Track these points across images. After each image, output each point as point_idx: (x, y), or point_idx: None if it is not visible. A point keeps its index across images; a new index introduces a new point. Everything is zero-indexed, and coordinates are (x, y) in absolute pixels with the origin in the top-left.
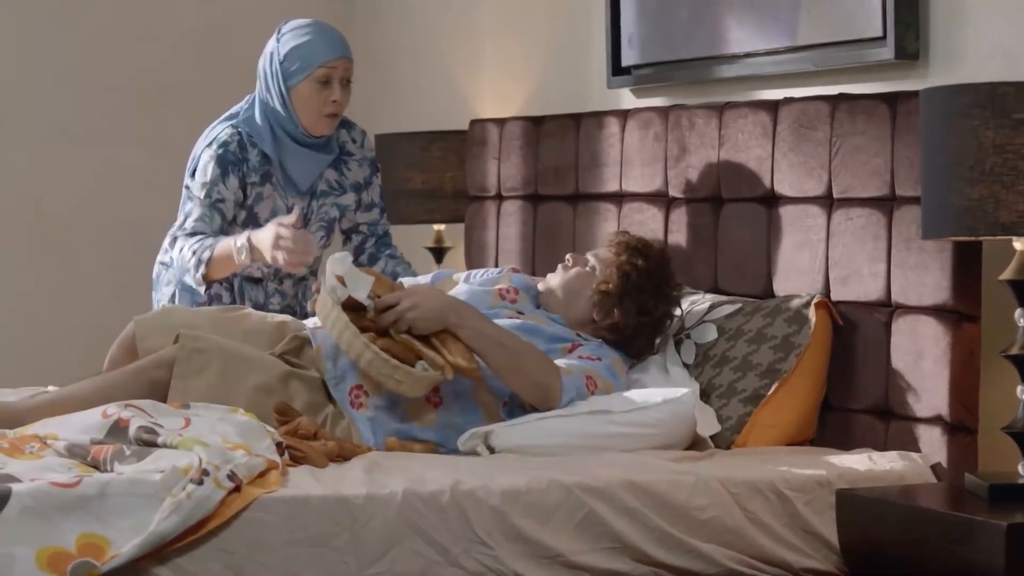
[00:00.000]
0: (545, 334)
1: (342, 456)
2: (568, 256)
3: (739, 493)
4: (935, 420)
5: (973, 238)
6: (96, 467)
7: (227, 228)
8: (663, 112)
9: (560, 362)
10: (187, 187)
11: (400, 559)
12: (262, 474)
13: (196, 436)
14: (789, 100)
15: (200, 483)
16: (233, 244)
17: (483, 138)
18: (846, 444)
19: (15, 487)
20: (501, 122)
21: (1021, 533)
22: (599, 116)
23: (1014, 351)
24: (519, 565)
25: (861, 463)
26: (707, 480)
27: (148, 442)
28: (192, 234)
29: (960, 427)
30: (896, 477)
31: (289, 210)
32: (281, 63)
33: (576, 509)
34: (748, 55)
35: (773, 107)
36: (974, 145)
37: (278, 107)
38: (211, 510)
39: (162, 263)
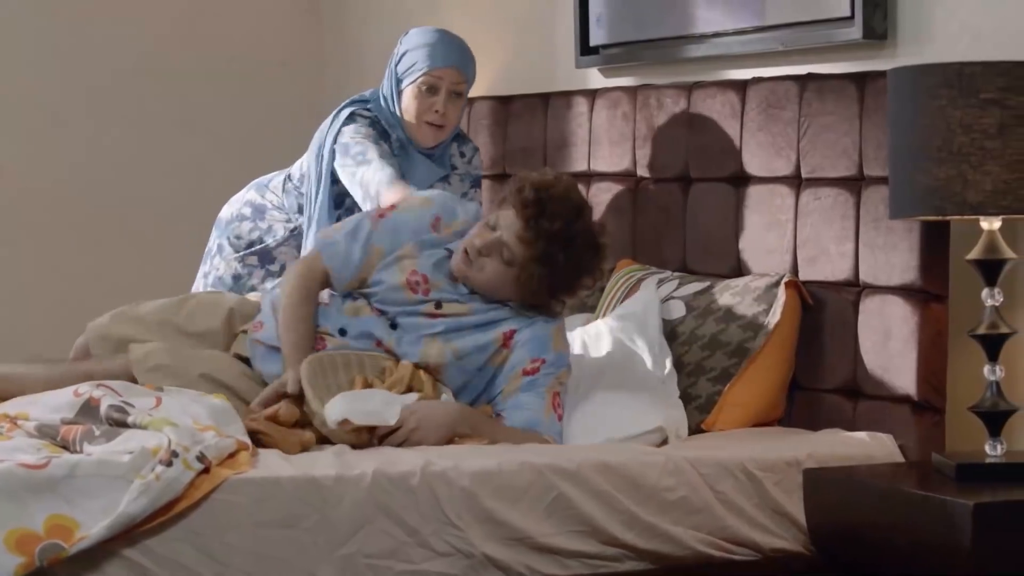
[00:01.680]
0: (472, 325)
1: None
2: (469, 247)
3: (708, 473)
4: (903, 400)
5: (941, 218)
6: (65, 447)
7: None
8: (631, 92)
9: (526, 415)
10: (341, 160)
11: (370, 540)
12: (232, 455)
13: (166, 417)
14: (757, 80)
15: (169, 464)
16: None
17: None
18: (814, 424)
19: None
20: (469, 102)
21: (988, 512)
22: (567, 96)
23: (981, 331)
24: (488, 547)
25: (829, 443)
26: (676, 461)
27: (118, 421)
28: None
29: (927, 407)
30: (864, 457)
31: None
32: (397, 64)
33: (546, 491)
34: (716, 35)
35: (741, 87)
36: (942, 125)
37: (391, 107)
38: (180, 492)
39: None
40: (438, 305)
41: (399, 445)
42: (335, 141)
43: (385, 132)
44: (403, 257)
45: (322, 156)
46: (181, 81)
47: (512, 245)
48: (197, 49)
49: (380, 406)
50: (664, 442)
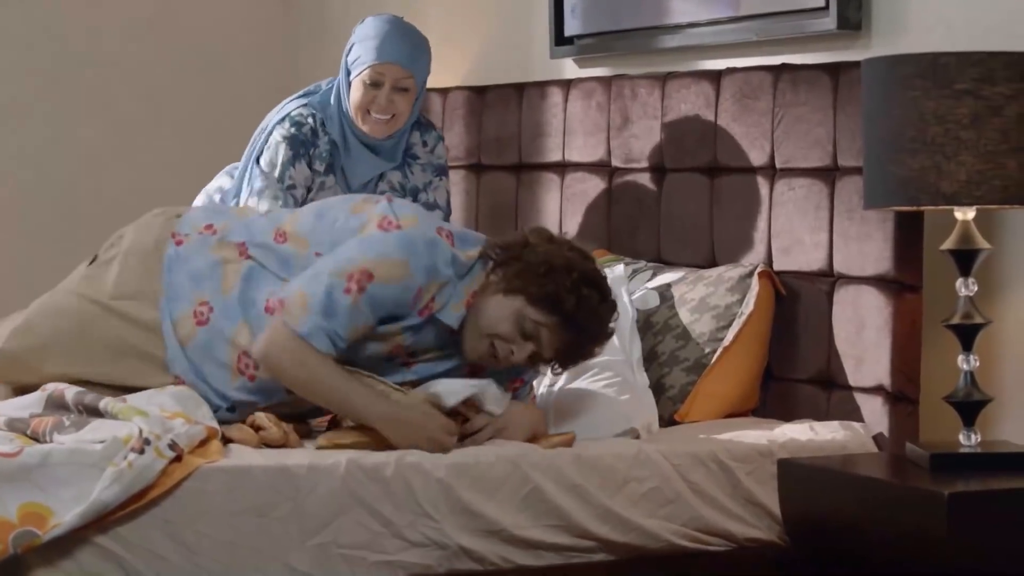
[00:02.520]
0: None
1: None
2: (504, 359)
3: (680, 464)
4: (877, 390)
5: (915, 208)
6: (36, 439)
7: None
8: (606, 82)
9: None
10: (257, 163)
11: (344, 530)
12: (203, 443)
13: (134, 406)
14: (732, 70)
15: (141, 452)
16: None
17: (426, 107)
18: (788, 414)
19: None
20: (444, 92)
21: (962, 502)
22: (542, 86)
23: (955, 321)
24: (463, 538)
25: (803, 433)
26: (648, 452)
27: (89, 407)
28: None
29: (901, 396)
30: (838, 447)
31: None
32: (347, 54)
33: (522, 484)
34: (691, 25)
35: (716, 77)
36: (915, 115)
37: (343, 99)
38: (152, 479)
39: None
40: (416, 383)
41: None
42: (269, 130)
43: (314, 135)
44: (390, 335)
45: (254, 146)
46: (148, 70)
47: (549, 351)
48: (165, 38)
49: (498, 393)
50: (636, 436)
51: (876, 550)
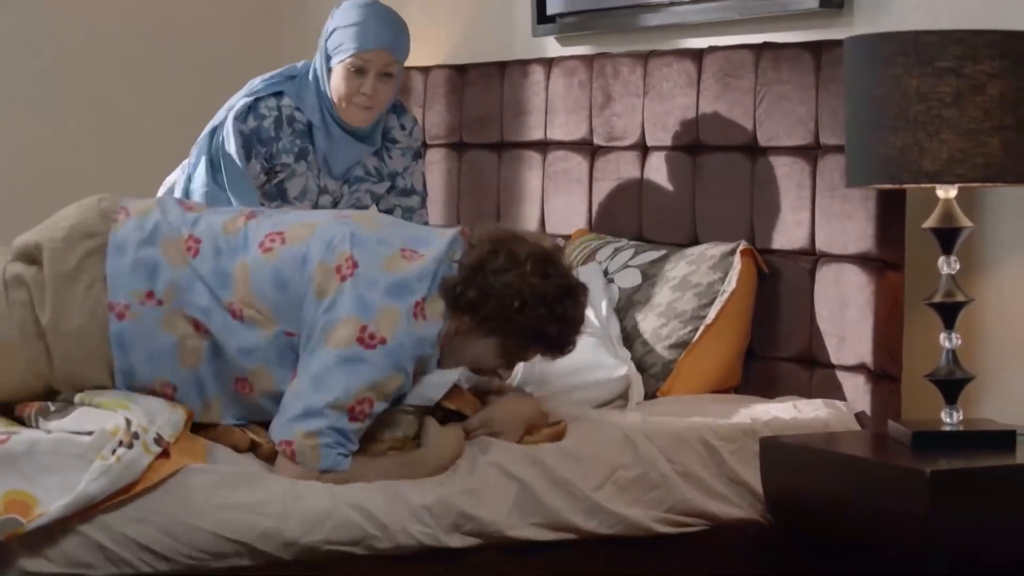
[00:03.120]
0: None
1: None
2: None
3: (665, 445)
4: (859, 368)
5: (897, 186)
6: (22, 422)
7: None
8: (588, 60)
9: None
10: (224, 150)
11: (336, 530)
12: (190, 442)
13: (117, 399)
14: (714, 49)
15: (130, 446)
16: None
17: (408, 86)
18: (770, 392)
19: None
20: (426, 70)
21: (944, 480)
22: (524, 64)
23: (937, 299)
24: (454, 540)
25: (786, 411)
26: (633, 437)
27: (67, 398)
28: None
29: (883, 375)
30: (821, 425)
31: (320, 192)
32: (327, 40)
33: (510, 485)
34: (673, 3)
35: (698, 55)
36: (898, 94)
37: (322, 84)
38: (139, 474)
39: None
40: None
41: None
42: (225, 119)
43: (274, 136)
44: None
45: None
46: (136, 61)
47: (536, 359)
48: (154, 28)
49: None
50: (626, 393)
51: (858, 528)
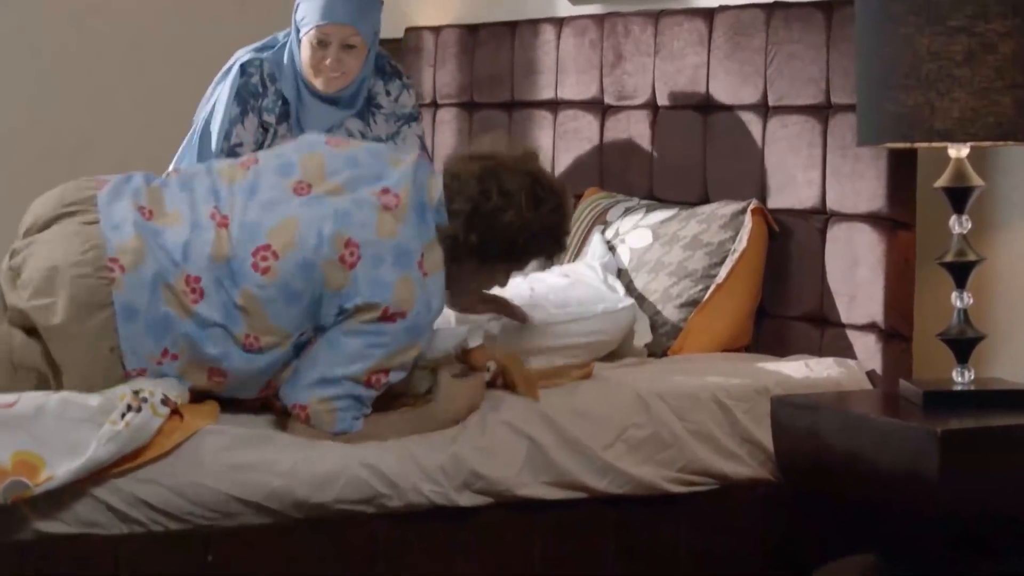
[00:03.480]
0: None
1: None
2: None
3: (679, 405)
4: (870, 327)
5: (908, 145)
6: None
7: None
8: (599, 19)
9: None
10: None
11: (347, 488)
12: (198, 403)
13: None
14: (724, 7)
15: (139, 410)
16: None
17: (418, 46)
18: (781, 351)
19: None
20: (436, 30)
21: (955, 439)
22: (535, 23)
23: (949, 258)
24: (465, 498)
25: (798, 370)
26: (645, 396)
27: None
28: None
29: (895, 334)
30: (833, 384)
31: None
32: (295, 12)
33: (520, 442)
34: None
35: (709, 14)
36: (909, 52)
37: (294, 54)
38: (149, 438)
39: None
40: None
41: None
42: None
43: (263, 86)
44: None
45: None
46: (131, 21)
47: None
48: (152, 27)
49: (475, 329)
50: (631, 334)
51: (868, 487)
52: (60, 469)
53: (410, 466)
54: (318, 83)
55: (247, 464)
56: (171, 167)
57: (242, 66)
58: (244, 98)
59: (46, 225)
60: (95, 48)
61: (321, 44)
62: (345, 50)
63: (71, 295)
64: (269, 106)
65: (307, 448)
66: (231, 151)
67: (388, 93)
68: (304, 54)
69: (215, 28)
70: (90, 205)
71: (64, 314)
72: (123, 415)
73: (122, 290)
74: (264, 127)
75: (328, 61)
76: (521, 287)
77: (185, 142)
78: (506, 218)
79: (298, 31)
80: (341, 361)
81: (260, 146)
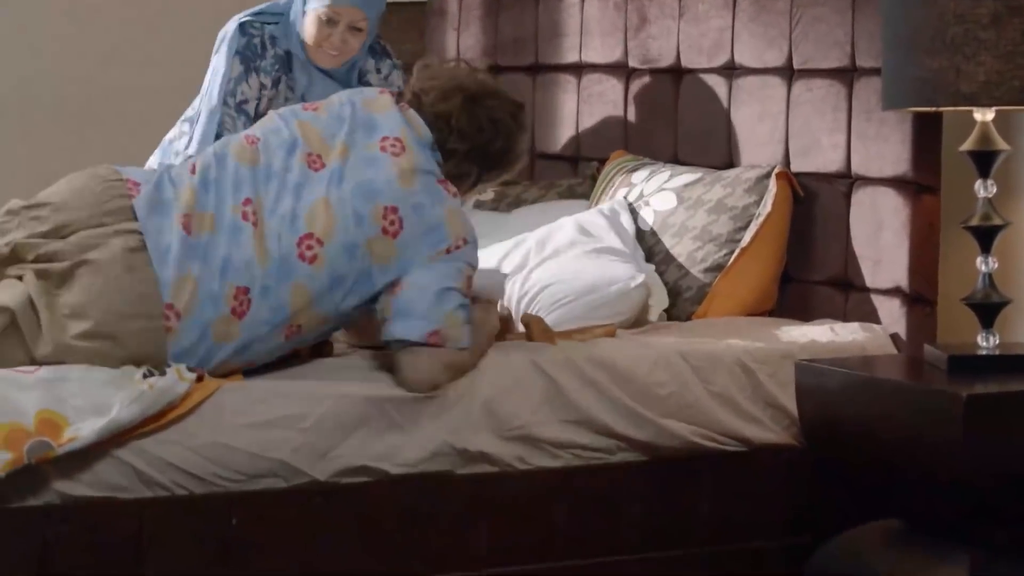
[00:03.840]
0: None
1: None
2: None
3: (702, 367)
4: (894, 292)
5: (933, 109)
6: None
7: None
8: None
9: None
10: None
11: (366, 440)
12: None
13: None
14: None
15: (163, 374)
16: None
17: (443, 8)
18: (805, 315)
19: None
20: None
21: (980, 403)
22: None
23: (974, 222)
24: (481, 440)
25: (823, 334)
26: (668, 356)
27: None
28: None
29: (919, 298)
30: (858, 348)
31: None
32: None
33: (538, 380)
34: None
35: None
36: (935, 15)
37: (296, 25)
38: (173, 401)
39: None
40: None
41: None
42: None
43: (262, 48)
44: None
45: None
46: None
47: None
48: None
49: (495, 284)
50: (646, 307)
51: (892, 452)
52: (84, 429)
53: (427, 410)
54: (316, 57)
55: (269, 421)
56: (185, 146)
57: (241, 25)
58: (247, 57)
59: (83, 228)
60: (94, 44)
61: (330, 22)
62: (351, 32)
63: (129, 350)
64: (267, 68)
65: (326, 406)
66: (238, 107)
67: (379, 71)
68: (309, 28)
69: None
70: (129, 217)
71: (119, 362)
72: (146, 376)
73: (178, 338)
74: (262, 87)
75: (333, 39)
76: (533, 262)
77: (176, 130)
78: (497, 144)
79: (304, 2)
80: (444, 278)
81: (258, 106)
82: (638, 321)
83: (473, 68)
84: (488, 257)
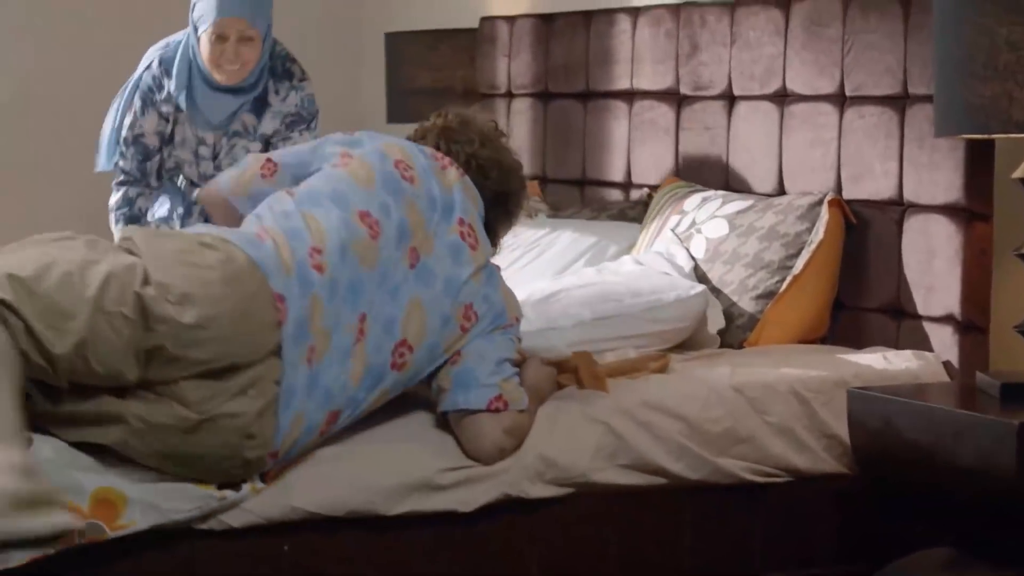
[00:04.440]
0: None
1: None
2: None
3: (756, 397)
4: (947, 319)
5: (986, 136)
6: None
7: (151, 160)
8: (674, 9)
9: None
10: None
11: (427, 497)
12: None
13: None
14: None
15: (238, 489)
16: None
17: (493, 35)
18: (858, 343)
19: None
20: (511, 19)
21: None
22: (610, 13)
23: None
24: (539, 490)
25: (876, 362)
26: (720, 390)
27: None
28: (120, 184)
29: (971, 326)
30: (911, 376)
31: (199, 142)
32: (192, 11)
33: (594, 429)
34: None
35: (785, 4)
36: (987, 42)
37: (194, 51)
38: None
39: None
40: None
41: None
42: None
43: (159, 85)
44: None
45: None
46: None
47: None
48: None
49: None
50: (704, 320)
51: (946, 479)
52: (140, 520)
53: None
54: (219, 76)
55: (330, 478)
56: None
57: (148, 70)
58: (146, 95)
59: (242, 367)
60: (96, 43)
61: (220, 39)
62: (243, 43)
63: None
64: (168, 97)
65: (392, 464)
66: (135, 140)
67: (277, 92)
68: (204, 50)
69: None
70: (275, 353)
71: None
72: (220, 487)
73: (289, 378)
74: (165, 118)
75: (227, 54)
76: (589, 275)
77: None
78: (515, 190)
79: (196, 29)
80: (502, 349)
81: (162, 136)
82: (696, 336)
83: (473, 114)
84: (538, 271)
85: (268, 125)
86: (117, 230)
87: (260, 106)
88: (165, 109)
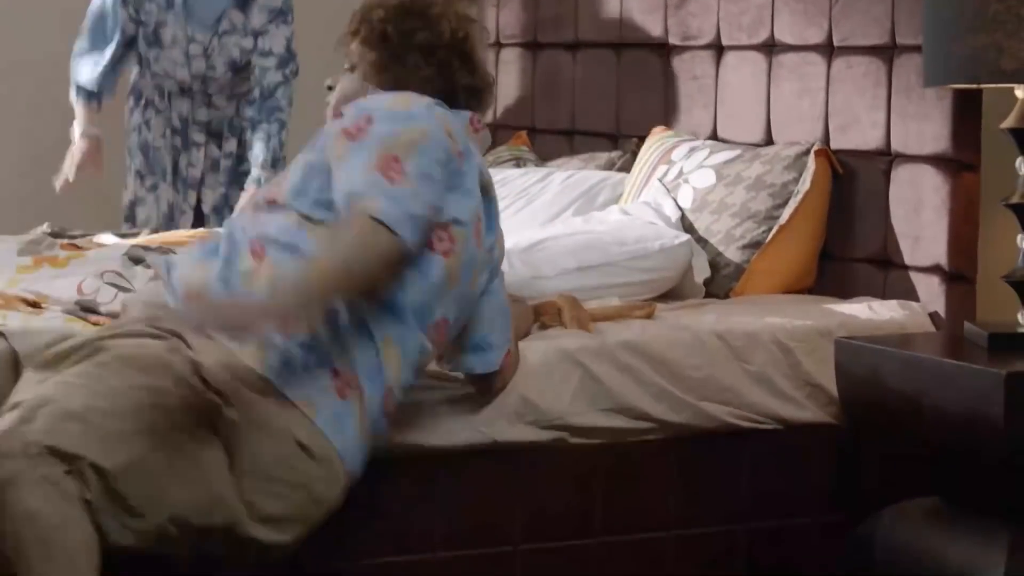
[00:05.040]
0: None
1: None
2: None
3: (739, 346)
4: (934, 269)
5: (974, 86)
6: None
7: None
8: None
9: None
10: None
11: (401, 433)
12: None
13: None
14: None
15: None
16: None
17: None
18: (844, 293)
19: None
20: None
21: (1020, 381)
22: None
23: (1014, 200)
24: (518, 431)
25: (862, 312)
26: (703, 337)
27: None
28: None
29: (959, 276)
30: (896, 326)
31: (189, 40)
32: None
33: (573, 371)
34: None
35: None
36: None
37: None
38: None
39: None
40: None
41: None
42: None
43: None
44: None
45: None
46: None
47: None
48: None
49: None
50: (690, 269)
51: (932, 429)
52: None
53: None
54: None
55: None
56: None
57: None
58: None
59: None
60: None
61: None
62: None
63: None
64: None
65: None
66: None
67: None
68: None
69: None
70: None
71: None
72: None
73: None
74: (142, 20)
75: None
76: (576, 224)
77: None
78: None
79: None
80: (500, 301)
81: (139, 24)
82: (681, 285)
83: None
84: (526, 220)
85: (257, 19)
86: (76, 98)
87: (245, 2)
88: (149, 7)
